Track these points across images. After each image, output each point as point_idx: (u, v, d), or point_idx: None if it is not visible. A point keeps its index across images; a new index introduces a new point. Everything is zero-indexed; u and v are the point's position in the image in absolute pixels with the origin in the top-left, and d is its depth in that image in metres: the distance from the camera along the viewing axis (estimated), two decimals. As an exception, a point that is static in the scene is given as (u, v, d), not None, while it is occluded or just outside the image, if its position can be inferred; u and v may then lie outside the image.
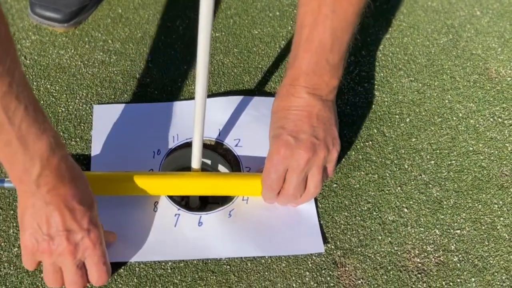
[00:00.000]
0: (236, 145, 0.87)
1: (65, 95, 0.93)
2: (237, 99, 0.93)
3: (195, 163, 0.79)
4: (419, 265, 0.79)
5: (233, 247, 0.78)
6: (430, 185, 0.87)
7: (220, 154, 0.89)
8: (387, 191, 0.85)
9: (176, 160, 0.88)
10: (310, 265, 0.78)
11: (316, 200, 0.83)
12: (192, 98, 0.91)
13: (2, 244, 0.76)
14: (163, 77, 0.97)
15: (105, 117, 0.89)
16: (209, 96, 0.83)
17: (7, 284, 0.73)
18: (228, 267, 0.77)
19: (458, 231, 0.82)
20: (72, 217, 0.65)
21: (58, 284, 0.70)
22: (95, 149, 0.86)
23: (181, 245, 0.77)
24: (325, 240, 0.79)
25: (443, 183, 0.87)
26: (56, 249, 0.66)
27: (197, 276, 0.76)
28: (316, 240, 0.79)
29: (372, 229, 0.81)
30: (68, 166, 0.64)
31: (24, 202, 0.66)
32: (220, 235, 0.78)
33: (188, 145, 0.87)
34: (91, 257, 0.68)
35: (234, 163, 0.87)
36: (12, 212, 0.79)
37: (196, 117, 0.72)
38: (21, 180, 0.63)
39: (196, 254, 0.77)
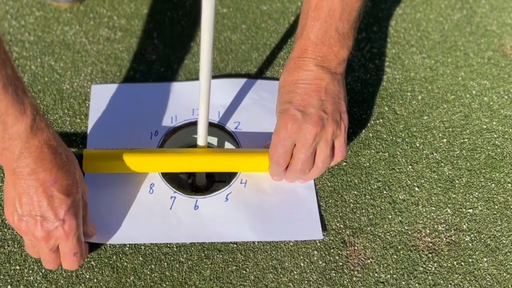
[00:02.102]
0: (236, 128, 0.86)
1: (69, 72, 0.91)
2: (239, 82, 0.91)
3: (201, 139, 0.77)
4: (430, 244, 0.77)
5: (230, 231, 0.76)
6: (442, 164, 0.85)
7: (226, 133, 0.87)
8: (398, 170, 0.83)
9: (180, 138, 0.86)
10: (319, 244, 0.76)
11: (315, 184, 0.81)
12: (197, 77, 0.90)
13: (6, 221, 0.76)
14: (169, 54, 0.95)
15: (103, 97, 0.88)
16: (212, 77, 0.81)
17: (11, 261, 0.73)
18: (235, 245, 0.75)
19: (471, 210, 0.80)
20: (49, 204, 0.64)
21: (36, 256, 0.71)
22: (92, 129, 0.84)
23: (176, 228, 0.76)
24: (324, 227, 0.77)
25: (455, 161, 0.85)
26: (30, 231, 0.65)
27: (203, 254, 0.74)
28: (315, 227, 0.77)
29: (382, 208, 0.80)
30: (51, 151, 0.62)
31: (8, 178, 0.65)
32: (216, 219, 0.77)
33: (187, 126, 0.86)
34: (62, 247, 0.67)
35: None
36: (16, 189, 0.78)
37: (202, 90, 0.70)
38: (3, 155, 0.61)
39: (191, 238, 0.75)
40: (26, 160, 0.61)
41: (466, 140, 0.87)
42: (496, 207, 0.81)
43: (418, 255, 0.76)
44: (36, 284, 0.71)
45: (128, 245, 0.74)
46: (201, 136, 0.77)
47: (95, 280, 0.72)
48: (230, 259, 0.74)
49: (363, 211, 0.79)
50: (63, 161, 0.64)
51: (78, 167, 0.68)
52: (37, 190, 0.63)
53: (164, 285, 0.72)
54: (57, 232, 0.65)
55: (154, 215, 0.77)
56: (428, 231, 0.78)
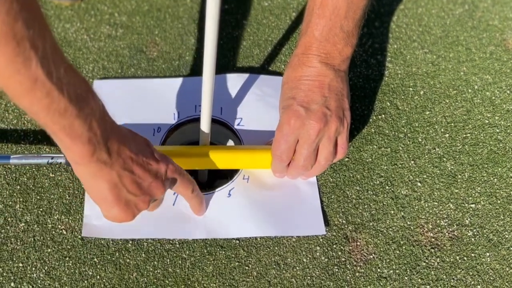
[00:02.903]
0: (238, 124, 0.86)
1: (71, 69, 0.91)
2: (241, 78, 0.91)
3: (204, 135, 0.77)
4: (433, 239, 0.77)
5: (232, 227, 0.76)
6: (444, 159, 0.84)
7: (228, 129, 0.87)
8: (400, 165, 0.83)
9: (182, 135, 0.86)
10: (321, 240, 0.76)
11: (317, 180, 0.81)
12: (198, 74, 0.90)
13: (9, 219, 0.76)
14: (170, 50, 0.95)
15: (104, 93, 0.87)
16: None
17: (14, 259, 0.73)
18: (237, 242, 0.75)
19: (473, 205, 0.80)
20: (147, 168, 0.62)
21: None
22: None
23: (178, 224, 0.76)
24: (326, 223, 0.77)
25: (457, 156, 0.85)
26: (154, 196, 0.65)
27: (205, 251, 0.74)
28: (318, 222, 0.77)
29: (385, 203, 0.80)
30: (115, 122, 0.60)
31: (98, 180, 0.59)
32: (219, 215, 0.77)
33: (190, 122, 0.86)
34: (180, 182, 0.69)
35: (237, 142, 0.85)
36: (18, 187, 0.78)
37: (205, 86, 0.70)
38: (89, 152, 0.56)
39: (193, 234, 0.75)
40: (112, 141, 0.58)
41: (469, 135, 0.87)
42: (499, 202, 0.81)
43: (420, 250, 0.76)
44: (39, 281, 0.71)
45: (130, 242, 0.75)
46: (204, 132, 0.77)
47: (98, 277, 0.72)
48: (233, 255, 0.74)
49: (366, 206, 0.79)
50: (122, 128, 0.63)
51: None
52: (134, 164, 0.61)
53: (167, 282, 0.72)
54: (169, 170, 0.66)
55: (157, 212, 0.76)
56: (430, 226, 0.78)
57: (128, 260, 0.73)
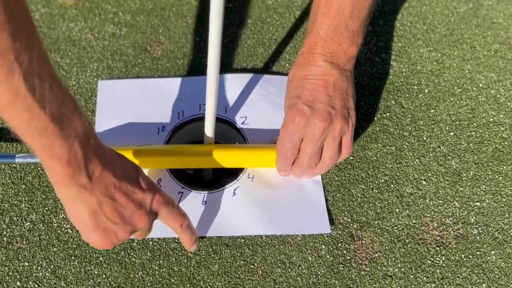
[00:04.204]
0: (243, 123, 0.86)
1: (75, 68, 0.91)
2: (245, 77, 0.91)
3: (208, 134, 0.77)
4: (438, 238, 0.77)
5: (237, 225, 0.76)
6: (449, 157, 0.84)
7: (233, 128, 0.87)
8: (405, 163, 0.83)
9: (186, 134, 0.86)
10: (326, 238, 0.76)
11: (322, 179, 0.81)
12: (202, 73, 0.90)
13: (14, 218, 0.76)
14: (174, 49, 0.95)
15: (109, 93, 0.88)
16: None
17: (20, 258, 0.73)
18: (243, 240, 0.75)
19: (478, 204, 0.80)
20: (131, 197, 0.60)
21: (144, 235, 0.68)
22: (99, 125, 0.84)
23: None
24: (331, 222, 0.77)
25: (462, 154, 0.85)
26: (136, 227, 0.62)
27: (211, 249, 0.74)
28: (323, 221, 0.77)
29: (390, 201, 0.80)
30: (101, 145, 0.57)
31: (78, 204, 0.57)
32: (224, 214, 0.77)
33: (194, 121, 0.86)
34: (163, 212, 0.65)
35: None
36: (23, 186, 0.78)
37: (209, 85, 0.70)
38: (68, 175, 0.54)
39: (198, 232, 0.75)
40: (94, 165, 0.55)
41: (473, 133, 0.87)
42: (504, 200, 0.81)
43: (426, 249, 0.76)
44: (45, 280, 0.71)
45: (136, 241, 0.75)
46: (208, 131, 0.77)
47: (104, 276, 0.72)
48: (238, 254, 0.74)
49: (371, 205, 0.79)
50: (110, 151, 0.60)
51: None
52: (118, 191, 0.58)
53: (173, 280, 0.72)
54: (155, 201, 0.63)
55: None
56: (435, 224, 0.78)
57: (133, 259, 0.73)
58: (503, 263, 0.75)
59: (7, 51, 0.45)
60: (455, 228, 0.78)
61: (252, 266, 0.74)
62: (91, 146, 0.55)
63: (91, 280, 0.71)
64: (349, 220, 0.78)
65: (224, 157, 0.78)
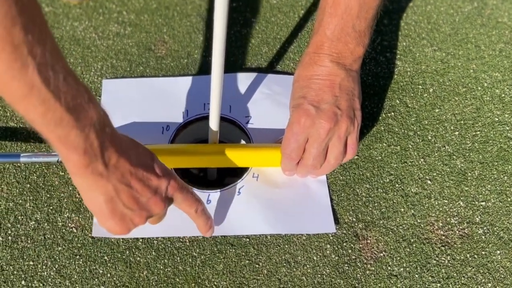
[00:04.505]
0: (247, 122, 0.86)
1: (79, 68, 0.91)
2: (250, 76, 0.91)
3: (213, 134, 0.77)
4: (443, 237, 0.77)
5: (242, 225, 0.76)
6: (454, 157, 0.84)
7: (237, 127, 0.87)
8: (410, 163, 0.83)
9: (191, 133, 0.86)
10: (331, 238, 0.76)
11: (327, 178, 0.81)
12: (206, 72, 0.90)
13: (19, 217, 0.76)
14: (178, 49, 0.95)
15: (114, 92, 0.88)
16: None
17: (25, 257, 0.73)
18: (248, 240, 0.75)
19: (483, 203, 0.80)
20: (147, 183, 0.60)
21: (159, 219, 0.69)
22: None
23: (188, 222, 0.76)
24: (336, 221, 0.77)
25: (467, 154, 0.85)
26: (152, 213, 0.63)
27: (216, 249, 0.74)
28: (328, 220, 0.77)
29: (395, 201, 0.79)
30: (117, 133, 0.58)
31: (95, 191, 0.58)
32: (229, 213, 0.77)
33: (198, 120, 0.86)
34: (179, 199, 0.66)
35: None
36: (28, 185, 0.78)
37: (213, 84, 0.70)
38: (84, 164, 0.54)
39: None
40: (110, 153, 0.56)
41: (478, 132, 0.87)
42: (509, 199, 0.80)
43: (431, 248, 0.76)
44: (49, 279, 0.71)
45: (141, 240, 0.75)
46: (213, 131, 0.76)
47: (109, 275, 0.72)
48: (243, 253, 0.74)
49: (376, 204, 0.79)
50: (127, 139, 0.61)
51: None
52: (133, 178, 0.59)
53: (177, 280, 0.72)
54: (170, 187, 0.63)
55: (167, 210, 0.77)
56: (440, 224, 0.78)
57: (138, 258, 0.73)
58: (509, 262, 0.75)
59: (20, 45, 0.45)
60: (460, 227, 0.78)
61: (257, 266, 0.73)
62: (106, 134, 0.55)
63: (96, 279, 0.71)
64: (354, 219, 0.78)
65: (229, 157, 0.78)
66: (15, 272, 0.72)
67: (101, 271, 0.72)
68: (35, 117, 0.50)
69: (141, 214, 0.62)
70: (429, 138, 0.86)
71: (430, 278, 0.73)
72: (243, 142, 0.87)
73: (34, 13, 0.47)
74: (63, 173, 0.80)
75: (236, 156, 0.78)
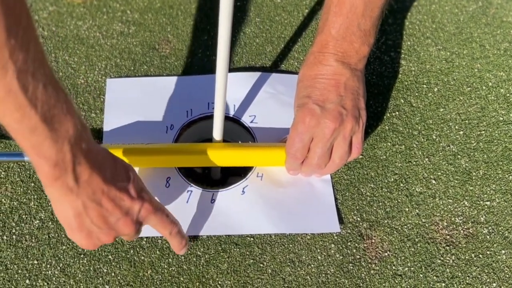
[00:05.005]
0: (252, 122, 0.85)
1: (84, 67, 0.91)
2: (254, 75, 0.90)
3: (217, 134, 0.77)
4: (448, 237, 0.77)
5: (246, 224, 0.76)
6: (459, 156, 0.84)
7: (242, 126, 0.87)
8: (414, 162, 0.83)
9: (195, 132, 0.86)
10: (336, 237, 0.76)
11: (332, 178, 0.81)
12: (211, 71, 0.90)
13: (24, 216, 0.76)
14: (183, 48, 0.95)
15: (118, 91, 0.88)
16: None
17: (29, 256, 0.73)
18: (252, 239, 0.75)
19: (488, 203, 0.80)
20: (118, 203, 0.59)
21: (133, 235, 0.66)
22: (107, 123, 0.84)
23: (193, 222, 0.76)
24: (341, 220, 0.77)
25: (472, 153, 0.84)
26: (120, 233, 0.62)
27: (220, 248, 0.74)
28: (332, 220, 0.77)
29: (399, 200, 0.79)
30: (94, 147, 0.57)
31: (64, 204, 0.57)
32: (233, 212, 0.77)
33: (203, 120, 0.86)
34: (151, 221, 0.64)
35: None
36: (32, 184, 0.78)
37: (218, 83, 0.70)
38: (54, 176, 0.54)
39: (208, 231, 0.75)
40: (82, 168, 0.54)
41: (483, 132, 0.87)
42: (514, 199, 0.80)
43: (435, 248, 0.75)
44: (54, 278, 0.71)
45: (145, 239, 0.75)
46: (217, 130, 0.76)
47: (113, 274, 0.72)
48: (247, 253, 0.74)
49: (380, 204, 0.79)
50: (105, 154, 0.59)
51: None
52: (106, 196, 0.58)
53: (182, 279, 0.72)
54: (143, 209, 0.62)
55: (171, 209, 0.76)
56: (445, 223, 0.78)
57: (142, 258, 0.73)
58: (514, 262, 0.75)
59: (1, 48, 0.44)
60: (465, 227, 0.77)
61: (261, 265, 0.73)
62: (81, 149, 0.54)
63: (100, 278, 0.71)
64: (358, 219, 0.77)
65: (233, 156, 0.78)
66: (19, 271, 0.72)
67: (105, 270, 0.72)
68: (10, 122, 0.50)
69: (109, 233, 0.61)
70: (434, 137, 0.86)
71: (434, 277, 0.73)
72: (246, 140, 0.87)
73: (20, 14, 0.46)
74: (67, 172, 0.80)
75: (240, 155, 0.78)
